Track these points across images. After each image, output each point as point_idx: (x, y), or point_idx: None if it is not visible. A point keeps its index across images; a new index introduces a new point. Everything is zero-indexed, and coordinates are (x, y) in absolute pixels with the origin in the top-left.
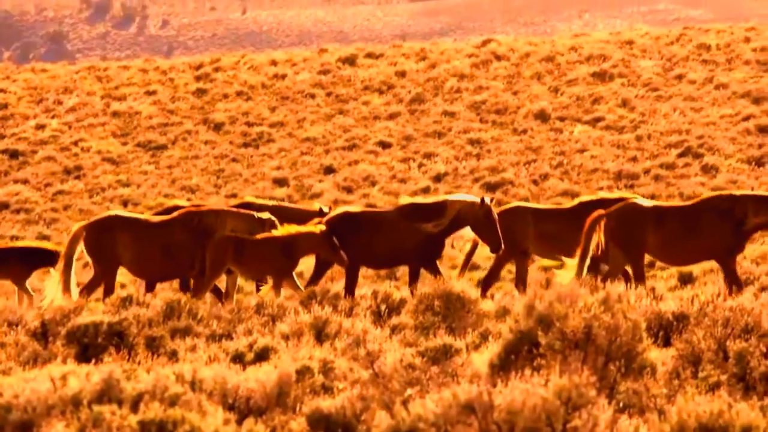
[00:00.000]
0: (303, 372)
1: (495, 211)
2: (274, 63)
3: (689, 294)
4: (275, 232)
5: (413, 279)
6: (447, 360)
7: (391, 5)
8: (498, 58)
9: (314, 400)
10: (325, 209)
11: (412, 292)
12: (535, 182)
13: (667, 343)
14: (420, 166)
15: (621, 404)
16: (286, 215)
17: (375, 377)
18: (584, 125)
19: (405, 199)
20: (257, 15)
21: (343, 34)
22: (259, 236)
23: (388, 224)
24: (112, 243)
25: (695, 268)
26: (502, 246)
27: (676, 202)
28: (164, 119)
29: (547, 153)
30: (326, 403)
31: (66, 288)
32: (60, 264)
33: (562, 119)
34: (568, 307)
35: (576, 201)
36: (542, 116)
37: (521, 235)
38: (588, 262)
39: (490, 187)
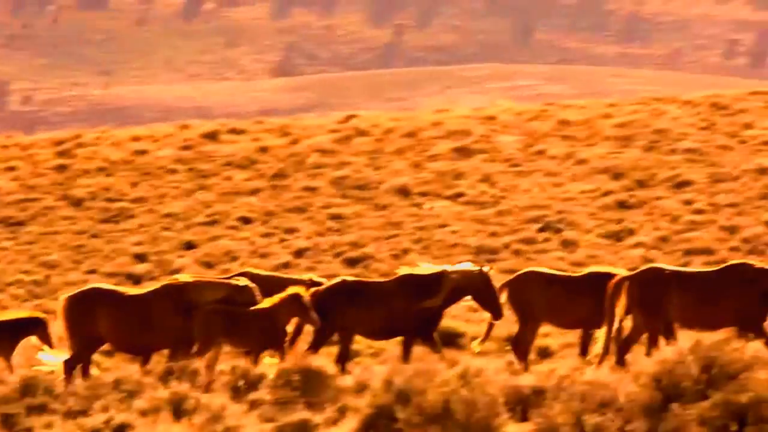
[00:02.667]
0: None
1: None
2: (136, 139)
3: (547, 368)
4: (260, 305)
5: (406, 352)
6: None
7: (254, 81)
8: (360, 133)
9: None
10: (318, 280)
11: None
12: (395, 257)
13: (524, 418)
14: (281, 241)
15: None
16: (279, 285)
17: None
18: (445, 200)
19: (403, 270)
20: (120, 91)
21: (206, 109)
22: (243, 309)
23: (386, 295)
24: (92, 315)
25: (553, 342)
26: (503, 313)
27: (699, 268)
28: (24, 195)
29: (408, 228)
30: None
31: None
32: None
33: (423, 194)
34: (427, 382)
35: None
36: (404, 191)
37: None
38: (616, 328)
39: (351, 262)
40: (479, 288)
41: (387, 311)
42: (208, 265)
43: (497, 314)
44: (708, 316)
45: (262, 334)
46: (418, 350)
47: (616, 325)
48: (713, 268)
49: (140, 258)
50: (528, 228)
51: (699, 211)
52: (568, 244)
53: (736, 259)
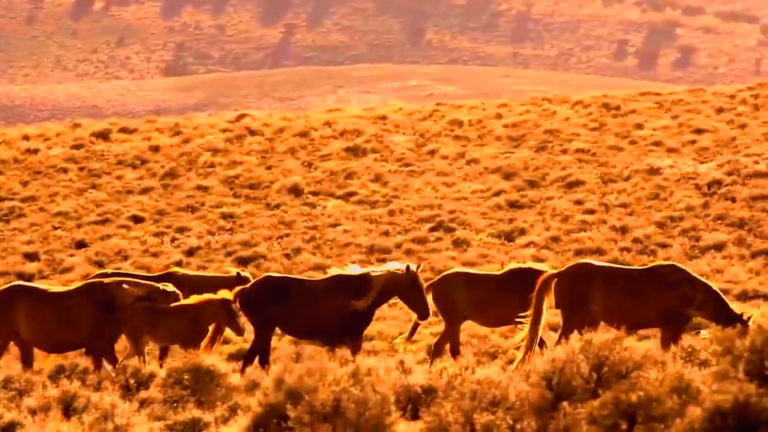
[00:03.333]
0: None
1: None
2: (26, 138)
3: (438, 367)
4: (184, 301)
5: (332, 352)
6: None
7: (145, 81)
8: (252, 133)
9: None
10: (244, 274)
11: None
12: (287, 256)
13: (415, 416)
14: (173, 240)
15: None
16: (206, 284)
17: None
18: (337, 200)
19: (333, 271)
20: (10, 90)
21: (97, 109)
22: (166, 306)
23: (314, 294)
24: (13, 312)
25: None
26: (429, 313)
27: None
28: None
29: (300, 227)
30: None
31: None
32: None
33: (315, 194)
34: (318, 381)
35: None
36: (295, 191)
37: (457, 302)
38: (542, 325)
39: (243, 262)
40: (407, 287)
41: (314, 310)
42: (100, 264)
43: (424, 314)
44: (633, 313)
45: (186, 330)
46: (309, 349)
47: (542, 322)
48: (641, 266)
49: (31, 257)
50: (420, 227)
51: (590, 211)
52: (459, 244)
53: (660, 261)
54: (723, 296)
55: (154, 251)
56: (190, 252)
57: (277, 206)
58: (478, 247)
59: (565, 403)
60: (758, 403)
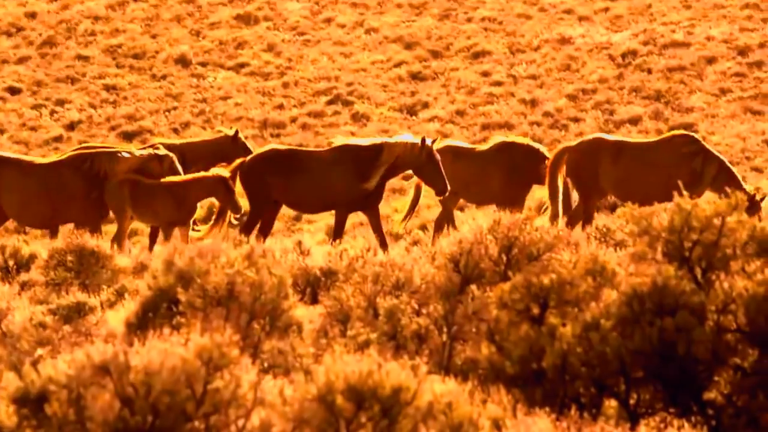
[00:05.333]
0: None
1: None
2: None
3: (338, 249)
4: (170, 178)
5: (338, 229)
6: (80, 318)
7: None
8: None
9: None
10: (229, 132)
11: (332, 244)
12: (175, 131)
13: (314, 301)
14: (52, 113)
15: (266, 364)
16: (198, 151)
17: (3, 336)
18: (228, 71)
19: (339, 140)
20: None
21: None
22: (153, 181)
23: (321, 165)
24: None
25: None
26: (449, 188)
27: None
28: None
29: (189, 100)
30: None
31: None
32: None
33: (203, 65)
34: (210, 263)
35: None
36: (183, 61)
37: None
38: (561, 199)
39: (128, 136)
40: (422, 161)
41: (320, 182)
42: None
43: (442, 189)
44: (642, 187)
45: (170, 208)
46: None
47: (559, 197)
48: (653, 138)
49: None
50: (316, 101)
51: (497, 83)
52: (359, 118)
53: (677, 130)
54: (737, 173)
55: (33, 125)
56: (71, 126)
57: (164, 77)
58: (378, 121)
59: (473, 287)
60: (677, 286)
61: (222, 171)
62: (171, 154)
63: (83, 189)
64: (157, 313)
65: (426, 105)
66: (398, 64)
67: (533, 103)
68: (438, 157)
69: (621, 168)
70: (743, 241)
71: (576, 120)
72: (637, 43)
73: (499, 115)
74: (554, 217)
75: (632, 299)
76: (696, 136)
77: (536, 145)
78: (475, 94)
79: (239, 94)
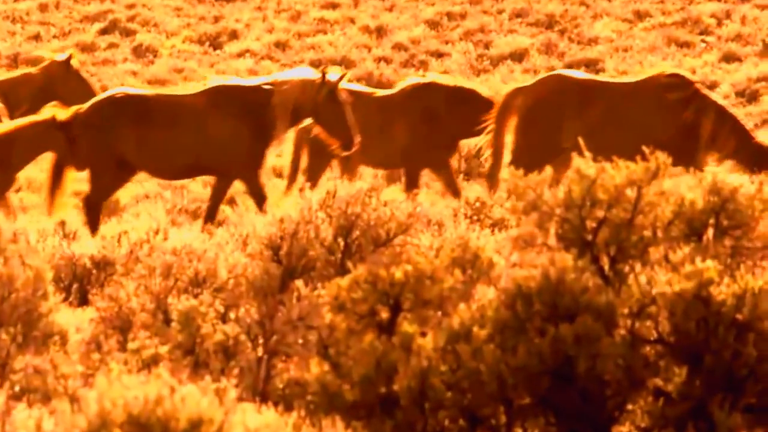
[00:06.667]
0: None
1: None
2: None
3: (115, 231)
4: None
5: (214, 204)
6: None
7: None
8: None
9: None
10: (58, 57)
11: (204, 229)
12: None
13: (84, 302)
14: None
15: (17, 388)
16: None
17: None
18: None
19: (213, 80)
20: None
21: None
22: None
23: (189, 115)
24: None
25: (123, 195)
26: (357, 139)
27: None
28: None
29: None
30: None
31: None
32: None
33: None
34: None
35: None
36: None
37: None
38: (504, 159)
39: None
40: (322, 103)
41: (188, 138)
42: None
43: (348, 142)
44: (618, 147)
45: None
46: None
47: (506, 155)
48: (634, 78)
49: None
50: (85, 29)
51: (331, 5)
52: (143, 53)
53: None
54: (744, 124)
55: None
56: None
57: None
58: (169, 57)
59: (299, 282)
60: (577, 281)
61: (57, 111)
62: None
63: None
64: None
65: (234, 35)
66: None
67: (380, 31)
68: (345, 97)
69: (590, 119)
70: (666, 220)
71: (439, 55)
72: None
73: (334, 48)
74: (493, 185)
75: (515, 299)
76: (686, 75)
77: (467, 85)
78: (301, 20)
79: None
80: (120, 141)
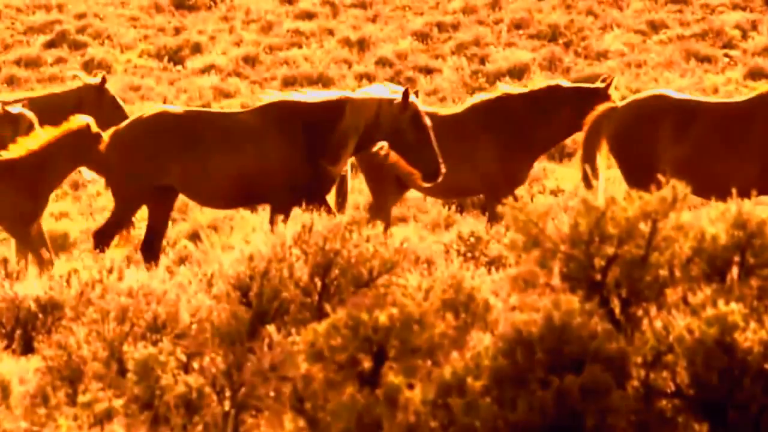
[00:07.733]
0: None
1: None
2: None
3: (64, 270)
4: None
5: (272, 222)
6: None
7: None
8: None
9: None
10: (91, 80)
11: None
12: None
13: (28, 349)
14: None
15: None
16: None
17: None
18: None
19: (271, 95)
20: None
21: None
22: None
23: (243, 135)
24: None
25: (72, 227)
26: (442, 169)
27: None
28: None
29: None
30: None
31: None
32: None
33: None
34: None
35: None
36: None
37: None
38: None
39: None
40: (402, 125)
41: (242, 160)
42: None
43: (433, 170)
44: (724, 170)
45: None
46: None
47: (601, 180)
48: (743, 97)
49: None
50: (29, 42)
51: (307, 15)
52: (94, 67)
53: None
54: None
55: None
56: None
57: None
58: (125, 73)
59: (271, 328)
60: (584, 327)
61: (84, 121)
62: (27, 113)
63: None
64: None
65: (197, 48)
66: None
67: (362, 45)
68: (427, 120)
69: (691, 142)
70: (685, 257)
71: (428, 71)
72: None
73: (310, 63)
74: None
75: (515, 346)
76: None
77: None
78: (273, 32)
79: None
80: (163, 165)
